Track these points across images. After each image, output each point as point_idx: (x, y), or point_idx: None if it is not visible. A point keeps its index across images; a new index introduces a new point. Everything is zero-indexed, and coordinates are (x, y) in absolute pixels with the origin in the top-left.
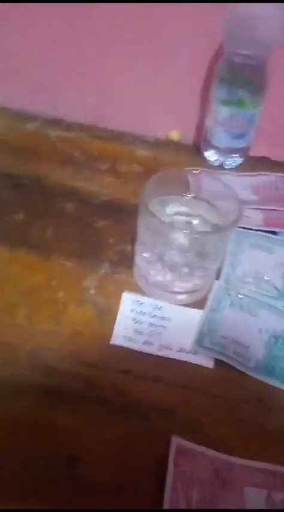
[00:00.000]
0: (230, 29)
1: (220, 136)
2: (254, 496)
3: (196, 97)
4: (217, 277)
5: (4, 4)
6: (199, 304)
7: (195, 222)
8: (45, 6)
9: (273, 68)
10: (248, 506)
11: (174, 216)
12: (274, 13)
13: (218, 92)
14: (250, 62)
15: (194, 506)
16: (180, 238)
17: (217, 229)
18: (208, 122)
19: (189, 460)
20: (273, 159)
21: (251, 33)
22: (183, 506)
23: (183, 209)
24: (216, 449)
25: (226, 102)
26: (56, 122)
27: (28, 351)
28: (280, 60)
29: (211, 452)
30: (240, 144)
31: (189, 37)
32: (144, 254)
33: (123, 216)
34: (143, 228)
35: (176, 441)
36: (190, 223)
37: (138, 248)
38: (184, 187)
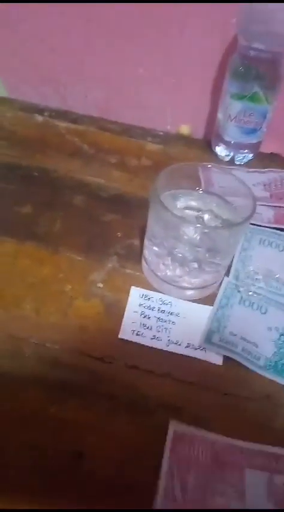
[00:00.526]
0: (244, 23)
1: (232, 131)
2: (256, 478)
3: (207, 91)
4: (227, 274)
5: None
6: (208, 300)
7: (206, 217)
8: None
9: None
10: (249, 490)
11: (184, 211)
12: None
13: (230, 86)
14: (264, 56)
15: (189, 492)
16: (191, 232)
17: (229, 224)
18: (220, 117)
19: (186, 445)
20: None
21: (266, 27)
22: (177, 493)
23: (194, 203)
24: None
25: (239, 97)
26: (65, 114)
27: (35, 344)
28: None
29: (211, 435)
30: (252, 139)
31: (201, 29)
32: (153, 248)
33: (131, 210)
34: (153, 221)
35: (173, 427)
36: (201, 217)
37: (147, 242)
38: (195, 181)
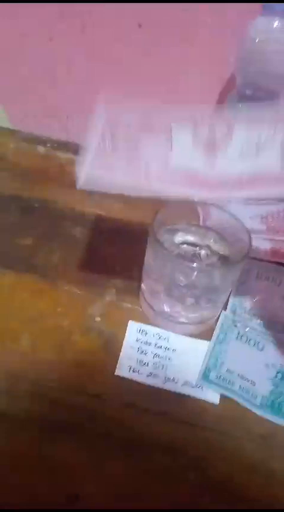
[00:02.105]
0: (242, 62)
1: None
2: (182, 130)
3: None
4: (225, 308)
5: (20, 27)
6: (206, 334)
7: (203, 252)
8: (59, 30)
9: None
10: (175, 141)
11: (181, 246)
12: None
13: None
14: (261, 95)
15: (119, 149)
16: (188, 271)
17: (225, 263)
18: None
19: (114, 118)
20: None
21: (263, 67)
22: (108, 147)
23: (191, 239)
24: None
25: None
26: (67, 145)
27: (31, 381)
28: None
29: (138, 108)
30: None
31: (200, 68)
32: (150, 283)
33: (131, 243)
34: (151, 258)
35: (101, 108)
36: (198, 254)
37: (144, 277)
38: (193, 216)
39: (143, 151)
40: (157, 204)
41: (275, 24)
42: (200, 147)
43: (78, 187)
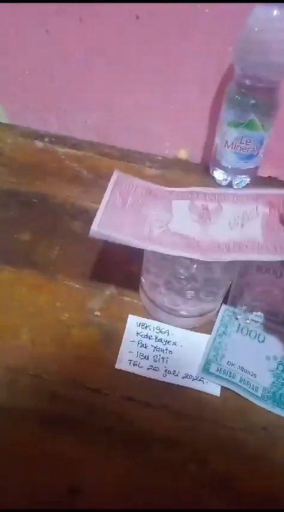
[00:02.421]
0: (240, 52)
1: (229, 157)
2: (180, 204)
3: (205, 117)
4: (225, 301)
5: (18, 22)
6: (206, 327)
7: None
8: (58, 25)
9: (283, 90)
10: (175, 210)
11: None
12: None
13: (227, 114)
14: (260, 85)
15: (128, 206)
16: (187, 264)
17: None
18: (217, 142)
19: (127, 183)
20: (281, 179)
21: (262, 57)
22: (119, 205)
23: None
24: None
25: (235, 124)
26: (65, 139)
27: (31, 375)
28: None
29: (147, 183)
30: (249, 165)
31: (200, 57)
32: (150, 277)
33: None
34: (150, 252)
35: (117, 173)
36: None
37: (144, 270)
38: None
39: (147, 217)
40: None
41: (275, 12)
42: (195, 217)
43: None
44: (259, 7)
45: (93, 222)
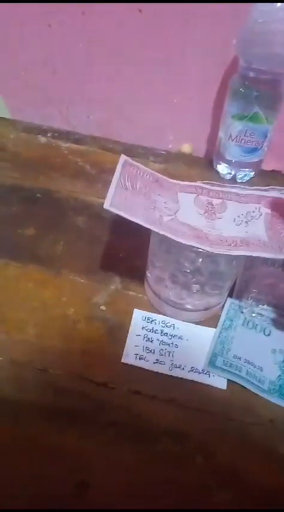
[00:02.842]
0: (244, 44)
1: (233, 151)
2: (186, 197)
3: (209, 110)
4: (231, 294)
5: (19, 16)
6: (212, 321)
7: None
8: (58, 18)
9: None
10: (181, 202)
11: None
12: None
13: (231, 107)
14: (264, 77)
15: (137, 189)
16: (193, 257)
17: None
18: (221, 136)
19: (134, 169)
20: None
21: (266, 49)
22: (129, 187)
23: None
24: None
25: (239, 117)
26: (68, 134)
27: (37, 369)
28: None
29: (151, 170)
30: (253, 158)
31: (202, 50)
32: (155, 270)
33: (135, 230)
34: (156, 245)
35: (124, 158)
36: None
37: (149, 264)
38: None
39: (157, 203)
40: None
41: (278, 4)
42: (201, 211)
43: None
44: None
45: (106, 200)
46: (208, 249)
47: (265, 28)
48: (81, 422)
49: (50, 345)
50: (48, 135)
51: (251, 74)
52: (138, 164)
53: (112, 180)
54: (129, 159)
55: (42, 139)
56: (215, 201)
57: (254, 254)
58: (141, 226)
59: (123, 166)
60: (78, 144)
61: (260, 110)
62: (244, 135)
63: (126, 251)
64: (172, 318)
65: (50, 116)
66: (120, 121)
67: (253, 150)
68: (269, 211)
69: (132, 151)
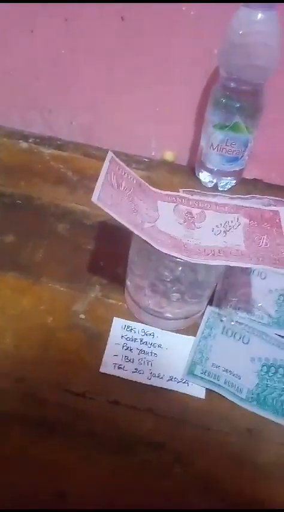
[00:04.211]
0: (225, 55)
1: (214, 159)
2: (166, 205)
3: (191, 119)
4: (210, 302)
5: (1, 21)
6: (192, 329)
7: None
8: (43, 24)
9: (268, 93)
10: (161, 210)
11: None
12: (269, 41)
13: (212, 116)
14: (245, 88)
15: (122, 189)
16: (172, 266)
17: None
18: (203, 145)
19: (119, 169)
20: (266, 181)
21: (246, 60)
22: (114, 185)
23: None
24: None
25: (221, 127)
26: (50, 140)
27: (15, 379)
28: (274, 85)
29: (135, 174)
30: (234, 167)
31: (186, 59)
32: (135, 279)
33: (115, 238)
34: (135, 254)
35: (111, 154)
36: None
37: (129, 272)
38: None
39: (139, 207)
40: None
41: (259, 16)
42: (180, 220)
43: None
44: (243, 10)
45: (94, 193)
46: (185, 258)
47: (245, 40)
48: (59, 433)
49: (28, 355)
50: (30, 140)
51: (232, 85)
52: (123, 164)
53: (100, 174)
54: (116, 157)
55: (24, 144)
56: (194, 211)
57: (232, 264)
58: (121, 233)
59: (110, 163)
60: (60, 150)
61: (241, 119)
62: (225, 145)
63: (106, 259)
64: (152, 326)
65: (32, 122)
66: (102, 128)
67: (234, 159)
68: (247, 221)
69: None
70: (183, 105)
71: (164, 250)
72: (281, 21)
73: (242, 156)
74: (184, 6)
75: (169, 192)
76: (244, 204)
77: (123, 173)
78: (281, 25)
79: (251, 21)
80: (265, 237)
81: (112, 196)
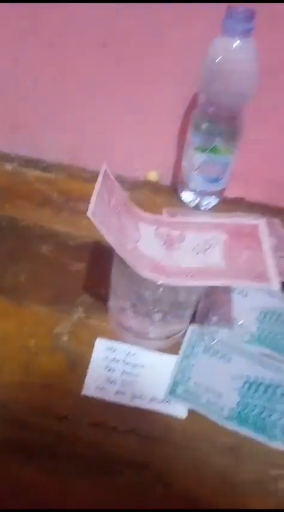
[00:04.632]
0: (203, 81)
1: (196, 180)
2: (146, 228)
3: (173, 141)
4: (193, 321)
5: None
6: (175, 348)
7: None
8: (24, 50)
9: (246, 117)
10: (142, 233)
11: None
12: (246, 68)
13: (193, 139)
14: (223, 113)
15: (112, 206)
16: (153, 288)
17: None
18: (185, 165)
19: (111, 183)
20: (248, 199)
21: (224, 86)
22: (106, 201)
23: None
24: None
25: (201, 149)
26: (35, 162)
27: None
28: (252, 107)
29: (123, 192)
30: (215, 187)
31: (168, 84)
32: (117, 300)
33: (99, 259)
34: (117, 275)
35: (105, 167)
36: None
37: (112, 294)
38: None
39: (124, 228)
40: None
41: (235, 44)
42: (161, 242)
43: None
44: (220, 38)
45: (89, 207)
46: (162, 281)
47: (223, 67)
48: (41, 457)
49: (10, 379)
50: (15, 163)
51: (212, 110)
52: (114, 181)
53: (95, 187)
54: (108, 172)
55: (9, 167)
56: (174, 232)
57: (210, 284)
58: (105, 253)
59: (103, 177)
60: (45, 172)
61: (220, 142)
62: (206, 166)
63: (90, 280)
64: (134, 346)
65: (17, 143)
66: (87, 148)
67: (216, 180)
68: (227, 237)
69: None
70: (165, 128)
71: (143, 274)
72: (258, 48)
73: (223, 177)
74: (165, 33)
75: (149, 215)
76: (225, 221)
77: (114, 189)
78: (258, 51)
79: (228, 49)
80: (245, 252)
81: (104, 213)
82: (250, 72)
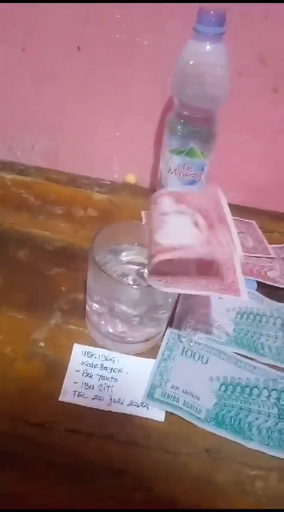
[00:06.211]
0: (177, 85)
1: (173, 183)
2: None
3: (150, 144)
4: (170, 324)
5: None
6: (153, 351)
7: (146, 271)
8: (8, 51)
9: (220, 119)
10: None
11: (126, 265)
12: (218, 71)
13: (169, 142)
14: (198, 115)
15: None
16: (129, 292)
17: None
18: (162, 168)
19: None
20: None
21: (197, 89)
22: None
23: (136, 258)
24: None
25: (177, 152)
26: (12, 166)
27: None
28: (226, 112)
29: None
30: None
31: (143, 87)
32: (93, 305)
33: (77, 263)
34: (92, 280)
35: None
36: (141, 272)
37: (88, 299)
38: (136, 236)
39: None
40: (102, 223)
41: (207, 47)
42: None
43: None
44: (192, 41)
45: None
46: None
47: (196, 70)
48: (18, 464)
49: None
50: None
51: (186, 112)
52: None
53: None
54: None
55: None
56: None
57: (184, 292)
58: (82, 258)
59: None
60: (22, 175)
61: (196, 145)
62: (182, 169)
63: (68, 284)
64: (113, 351)
65: None
66: (64, 151)
67: (192, 182)
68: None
69: (77, 181)
70: (142, 130)
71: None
72: (229, 52)
73: (199, 179)
74: (138, 37)
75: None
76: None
77: None
78: (229, 55)
79: (200, 52)
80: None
81: None
82: (222, 75)
